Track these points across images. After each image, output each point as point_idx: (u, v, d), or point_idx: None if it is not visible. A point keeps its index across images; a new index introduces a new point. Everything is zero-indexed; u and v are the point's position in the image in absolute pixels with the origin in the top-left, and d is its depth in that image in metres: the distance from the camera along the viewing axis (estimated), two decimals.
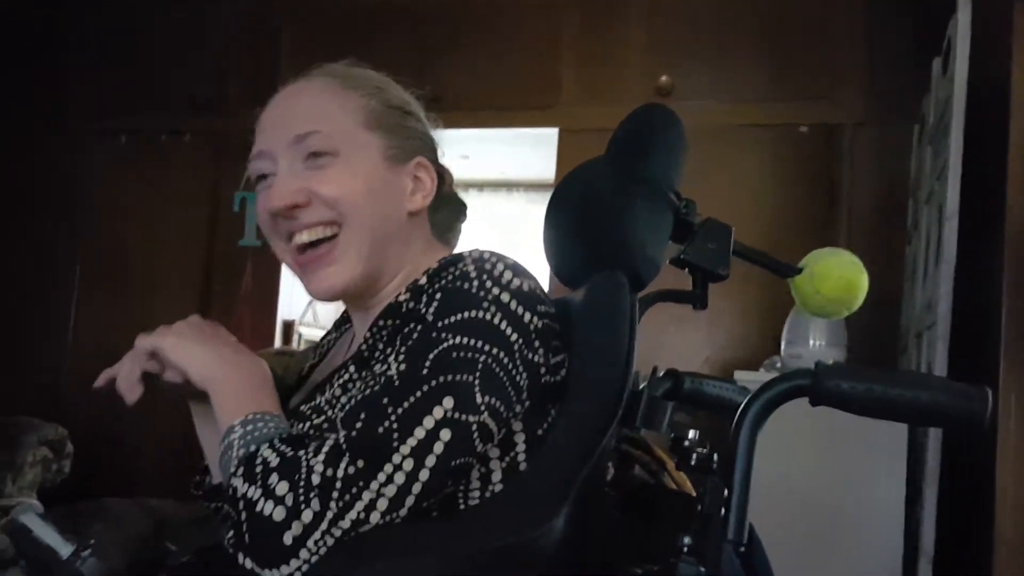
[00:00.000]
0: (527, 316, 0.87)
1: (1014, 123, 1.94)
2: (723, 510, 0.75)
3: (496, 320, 0.85)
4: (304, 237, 0.98)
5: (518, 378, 0.85)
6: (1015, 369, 1.88)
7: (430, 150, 1.07)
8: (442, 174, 1.08)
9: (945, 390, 0.77)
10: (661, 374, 0.96)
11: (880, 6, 3.01)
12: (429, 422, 0.79)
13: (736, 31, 3.15)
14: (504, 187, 4.50)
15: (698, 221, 1.00)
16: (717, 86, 3.14)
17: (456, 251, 1.05)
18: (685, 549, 0.76)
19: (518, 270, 0.90)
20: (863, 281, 1.04)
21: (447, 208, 1.10)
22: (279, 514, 0.75)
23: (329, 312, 3.88)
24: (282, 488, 0.76)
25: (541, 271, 1.00)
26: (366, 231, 0.98)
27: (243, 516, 0.77)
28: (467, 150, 3.77)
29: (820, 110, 3.05)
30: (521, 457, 0.88)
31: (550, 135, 3.31)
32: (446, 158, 1.11)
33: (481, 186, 4.46)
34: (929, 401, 0.76)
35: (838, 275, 1.03)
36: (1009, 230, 1.92)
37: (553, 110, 3.32)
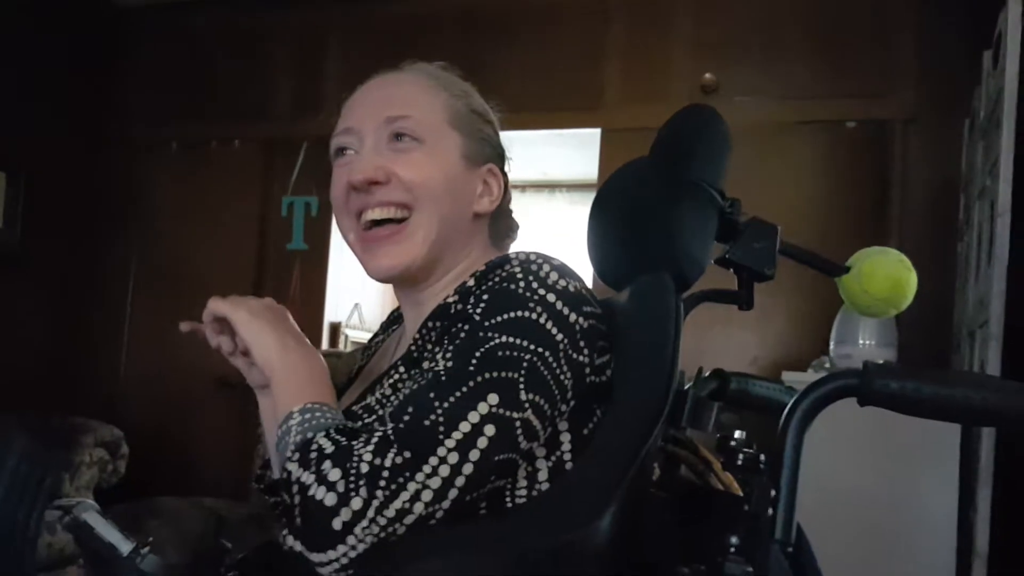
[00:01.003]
0: (572, 316, 0.88)
1: None
2: (770, 510, 0.75)
3: (542, 320, 0.86)
4: (375, 214, 1.01)
5: (563, 377, 0.86)
6: None
7: (500, 159, 1.11)
8: (506, 185, 1.10)
9: (997, 389, 0.76)
10: (707, 374, 0.96)
11: None
12: (474, 417, 0.81)
13: (782, 26, 3.10)
14: (546, 188, 4.50)
15: (743, 220, 1.00)
16: (763, 83, 3.11)
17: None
18: (732, 549, 0.76)
19: (564, 271, 0.92)
20: (911, 280, 1.03)
21: (505, 221, 1.12)
22: (330, 499, 0.77)
23: (375, 314, 3.92)
24: (335, 475, 0.78)
25: (585, 272, 1.01)
26: (435, 219, 1.01)
27: (296, 500, 0.79)
28: (509, 151, 3.77)
29: (869, 106, 2.99)
30: (567, 456, 0.89)
31: (592, 135, 3.30)
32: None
33: (524, 187, 4.46)
34: (981, 401, 0.75)
35: (885, 274, 1.02)
36: None
37: (596, 110, 3.31)
